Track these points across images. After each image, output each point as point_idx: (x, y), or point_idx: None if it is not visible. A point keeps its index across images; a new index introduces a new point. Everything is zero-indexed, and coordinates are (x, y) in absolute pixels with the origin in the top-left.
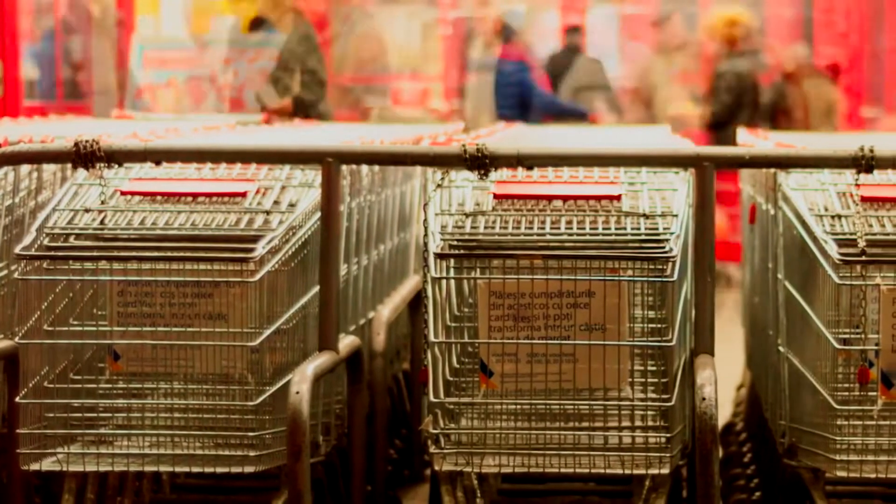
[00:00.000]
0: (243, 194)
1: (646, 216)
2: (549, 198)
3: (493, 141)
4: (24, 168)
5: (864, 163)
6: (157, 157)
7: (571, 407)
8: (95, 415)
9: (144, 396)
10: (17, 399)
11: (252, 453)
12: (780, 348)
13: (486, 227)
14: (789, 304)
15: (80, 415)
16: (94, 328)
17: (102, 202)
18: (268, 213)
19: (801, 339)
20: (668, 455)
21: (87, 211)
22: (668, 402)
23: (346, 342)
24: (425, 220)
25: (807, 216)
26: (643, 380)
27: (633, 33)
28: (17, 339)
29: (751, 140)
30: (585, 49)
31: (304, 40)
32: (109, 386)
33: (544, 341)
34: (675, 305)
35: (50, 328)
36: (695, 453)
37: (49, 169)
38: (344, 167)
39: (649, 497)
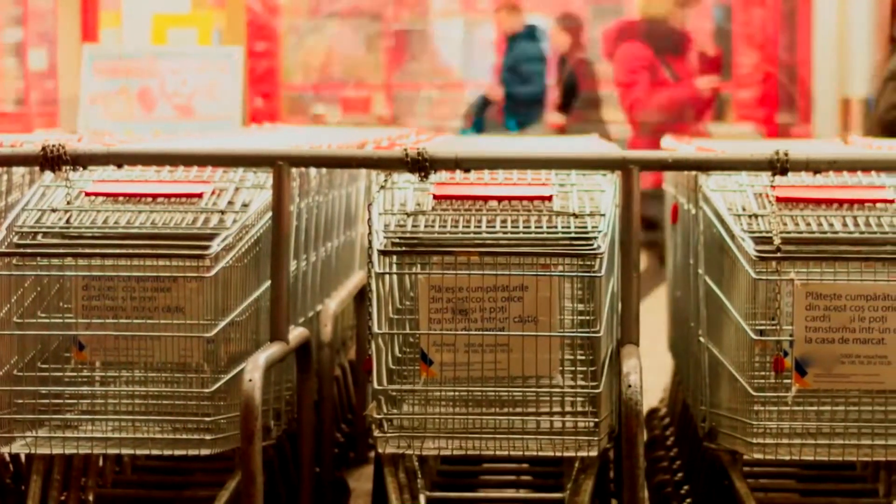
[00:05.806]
0: (199, 195)
1: (575, 216)
2: (486, 198)
3: (432, 145)
4: None
5: (779, 166)
6: (120, 160)
7: (506, 393)
8: (61, 401)
9: (107, 384)
10: None
11: (208, 437)
12: (701, 339)
13: (426, 226)
14: (709, 298)
15: (47, 401)
16: (61, 320)
17: (68, 202)
18: (222, 212)
19: (721, 331)
20: (596, 439)
21: (53, 211)
22: (596, 389)
23: (296, 333)
24: (370, 219)
25: (726, 215)
26: (573, 368)
27: None
28: None
29: (674, 144)
30: None
31: None
32: (75, 374)
33: (481, 332)
34: (602, 299)
35: (19, 320)
36: (621, 437)
37: (18, 171)
38: (294, 170)
39: (578, 478)
